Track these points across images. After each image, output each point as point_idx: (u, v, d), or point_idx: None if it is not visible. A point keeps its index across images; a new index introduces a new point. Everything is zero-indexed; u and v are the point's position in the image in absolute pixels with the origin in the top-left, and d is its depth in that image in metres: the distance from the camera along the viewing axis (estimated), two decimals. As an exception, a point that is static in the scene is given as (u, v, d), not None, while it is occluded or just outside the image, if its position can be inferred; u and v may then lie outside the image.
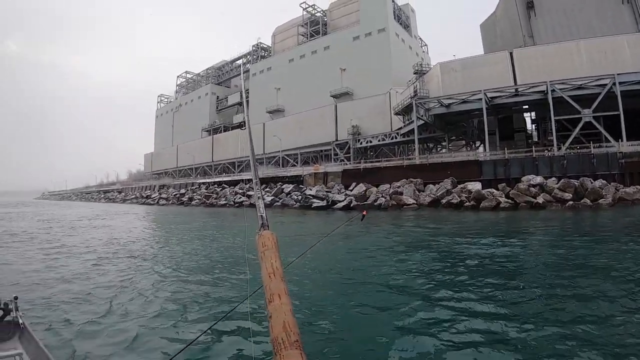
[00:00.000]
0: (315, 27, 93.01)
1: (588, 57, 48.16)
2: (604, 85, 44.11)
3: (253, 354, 5.73)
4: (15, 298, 3.40)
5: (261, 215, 1.95)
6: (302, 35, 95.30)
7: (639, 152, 38.84)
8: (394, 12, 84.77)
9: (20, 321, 3.28)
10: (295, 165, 75.50)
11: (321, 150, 76.09)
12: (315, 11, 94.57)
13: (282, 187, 56.05)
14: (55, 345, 5.83)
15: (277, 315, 1.38)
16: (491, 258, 13.00)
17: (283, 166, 77.92)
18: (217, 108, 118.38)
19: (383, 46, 78.31)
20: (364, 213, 4.29)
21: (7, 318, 3.28)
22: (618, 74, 43.93)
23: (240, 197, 59.71)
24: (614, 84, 43.71)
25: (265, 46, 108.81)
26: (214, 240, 20.48)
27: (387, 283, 9.82)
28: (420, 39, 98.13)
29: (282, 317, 1.36)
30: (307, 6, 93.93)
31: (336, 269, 12.11)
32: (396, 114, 60.39)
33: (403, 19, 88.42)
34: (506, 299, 8.25)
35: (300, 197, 50.32)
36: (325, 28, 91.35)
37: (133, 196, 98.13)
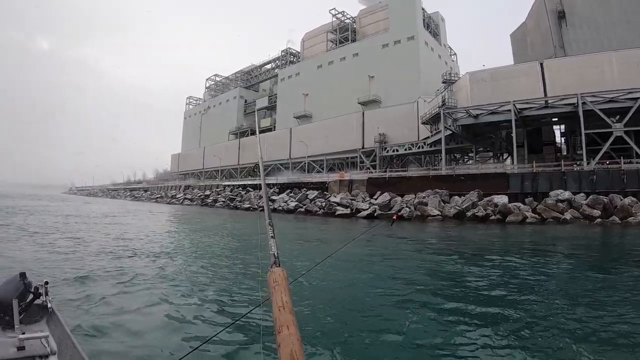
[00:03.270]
0: (344, 33, 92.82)
1: (620, 69, 47.34)
2: (636, 99, 43.05)
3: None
4: (46, 283, 3.56)
5: (273, 254, 2.07)
6: (331, 41, 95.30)
7: None
8: (424, 20, 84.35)
9: (49, 305, 3.45)
10: (320, 172, 75.63)
11: (347, 158, 76.04)
12: (345, 18, 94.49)
13: (307, 193, 56.10)
14: (78, 331, 6.13)
15: (285, 345, 1.50)
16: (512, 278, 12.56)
17: (308, 172, 78.16)
18: (244, 111, 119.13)
19: (412, 54, 77.78)
20: (395, 218, 4.42)
21: (37, 301, 3.45)
22: None
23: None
24: None
25: (294, 52, 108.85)
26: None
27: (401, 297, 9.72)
28: (449, 47, 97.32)
29: (290, 347, 1.49)
30: (336, 12, 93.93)
31: (357, 277, 12.01)
32: (423, 123, 60.08)
33: (432, 27, 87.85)
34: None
35: (324, 203, 50.38)
36: (354, 35, 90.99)
37: (158, 195, 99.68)
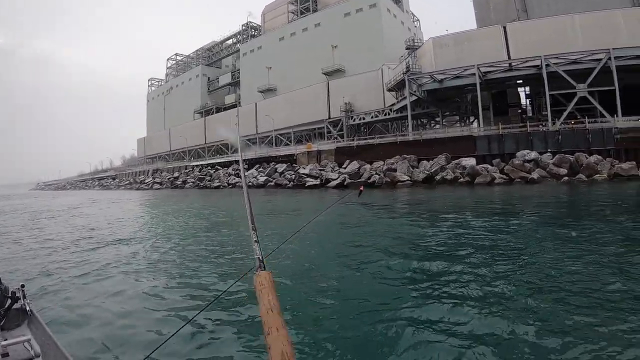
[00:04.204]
0: (305, 4, 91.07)
1: (583, 31, 47.39)
2: (599, 60, 43.70)
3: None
4: (22, 286, 3.43)
5: (258, 258, 2.00)
6: (292, 12, 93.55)
7: (635, 127, 38.54)
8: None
9: (28, 308, 3.32)
10: (288, 145, 74.99)
11: (314, 129, 75.56)
12: None
13: (276, 166, 55.64)
14: (58, 330, 5.62)
15: (275, 346, 1.42)
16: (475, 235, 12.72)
17: (276, 145, 77.37)
18: (208, 89, 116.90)
19: (374, 22, 76.94)
20: (361, 188, 3.97)
21: (16, 306, 3.29)
22: (613, 49, 43.35)
23: (233, 179, 59.26)
24: (610, 58, 43.26)
25: (255, 25, 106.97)
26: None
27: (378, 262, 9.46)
28: (412, 13, 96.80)
29: (281, 347, 1.42)
30: None
31: (331, 247, 11.87)
32: (389, 90, 59.81)
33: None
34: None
35: (293, 176, 50.05)
36: (316, 5, 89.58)
37: (127, 182, 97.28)
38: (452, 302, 6.48)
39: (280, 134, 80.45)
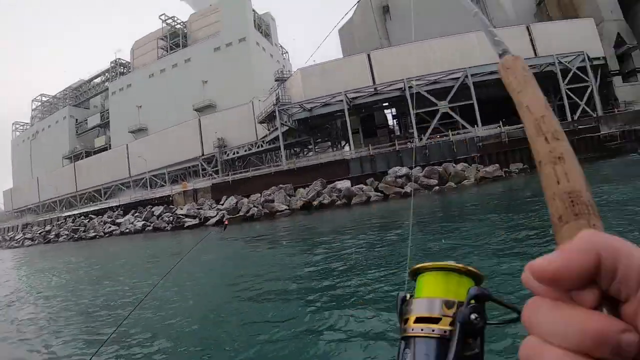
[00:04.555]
0: (175, 39, 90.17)
1: (441, 54, 50.87)
2: (457, 79, 47.35)
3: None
4: None
5: None
6: (162, 48, 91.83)
7: (493, 134, 42.36)
8: (255, 21, 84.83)
9: None
10: (164, 186, 72.15)
11: (189, 167, 73.45)
12: (176, 23, 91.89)
13: (152, 210, 52.93)
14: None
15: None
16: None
17: (152, 187, 74.29)
18: (76, 132, 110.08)
19: (244, 55, 77.60)
20: (226, 223, 3.26)
21: None
22: (469, 68, 47.31)
23: (110, 227, 55.73)
24: (467, 76, 47.13)
25: (124, 62, 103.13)
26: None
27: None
28: (281, 46, 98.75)
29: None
30: (166, 18, 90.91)
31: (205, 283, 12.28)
32: (260, 122, 59.73)
33: (263, 27, 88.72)
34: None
35: (171, 218, 47.89)
36: (186, 40, 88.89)
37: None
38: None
39: (155, 175, 77.41)
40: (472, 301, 0.59)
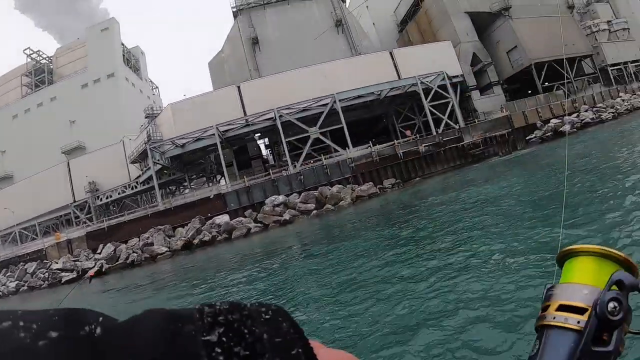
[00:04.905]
0: (40, 75, 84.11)
1: (310, 82, 51.73)
2: (326, 105, 48.54)
3: None
4: None
5: None
6: (27, 86, 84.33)
7: (364, 154, 44.16)
8: (124, 55, 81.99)
9: None
10: (35, 239, 67.01)
11: (61, 216, 68.26)
12: (41, 58, 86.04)
13: (25, 267, 48.53)
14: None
15: None
16: None
17: (22, 242, 68.83)
18: None
19: (113, 92, 74.68)
20: (91, 275, 2.54)
21: None
22: (337, 93, 48.64)
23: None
24: (335, 101, 48.22)
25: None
26: None
27: None
28: (151, 81, 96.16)
29: None
30: (31, 52, 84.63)
31: None
32: (132, 162, 57.23)
33: (133, 62, 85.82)
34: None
35: (47, 274, 44.22)
36: (52, 77, 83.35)
37: None
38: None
39: (25, 228, 71.54)
40: (614, 287, 0.54)
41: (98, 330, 0.35)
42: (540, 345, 0.57)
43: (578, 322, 0.55)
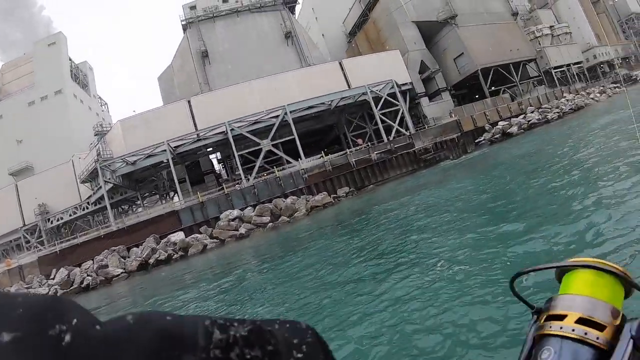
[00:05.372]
0: None
1: (261, 94, 51.78)
2: (277, 116, 48.63)
3: None
4: None
5: None
6: None
7: (317, 165, 44.65)
8: (71, 71, 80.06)
9: None
10: (-16, 266, 64.66)
11: (11, 241, 65.93)
12: None
13: (-28, 301, 46.92)
14: None
15: None
16: None
17: (-29, 270, 66.40)
18: None
19: (61, 109, 72.80)
20: None
21: None
22: (288, 104, 48.84)
23: None
24: (286, 113, 48.46)
25: None
26: None
27: None
28: (100, 97, 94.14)
29: None
30: None
31: None
32: (83, 182, 55.90)
33: (81, 77, 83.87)
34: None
35: (-2, 303, 42.71)
36: None
37: None
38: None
39: (-28, 255, 69.32)
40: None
41: (67, 337, 0.30)
42: (553, 355, 0.56)
43: (597, 338, 0.55)
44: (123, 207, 62.02)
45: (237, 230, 37.30)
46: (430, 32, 67.65)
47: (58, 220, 60.52)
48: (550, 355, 0.56)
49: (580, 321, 0.56)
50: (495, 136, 50.00)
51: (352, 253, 13.73)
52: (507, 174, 20.00)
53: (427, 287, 7.71)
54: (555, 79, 73.24)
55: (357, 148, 49.07)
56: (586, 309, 0.57)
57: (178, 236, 39.19)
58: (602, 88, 71.17)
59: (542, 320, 0.60)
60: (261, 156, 46.99)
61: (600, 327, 0.55)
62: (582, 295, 0.59)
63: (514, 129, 49.90)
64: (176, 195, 52.81)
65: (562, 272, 0.67)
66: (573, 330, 0.55)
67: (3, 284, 45.95)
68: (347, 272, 11.06)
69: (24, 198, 63.62)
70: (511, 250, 8.23)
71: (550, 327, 0.58)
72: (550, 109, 55.74)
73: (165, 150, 47.00)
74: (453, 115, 55.49)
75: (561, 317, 0.58)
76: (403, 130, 52.12)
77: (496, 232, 9.87)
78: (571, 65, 78.44)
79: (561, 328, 0.56)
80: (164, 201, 59.06)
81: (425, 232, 12.94)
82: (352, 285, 9.56)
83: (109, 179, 48.85)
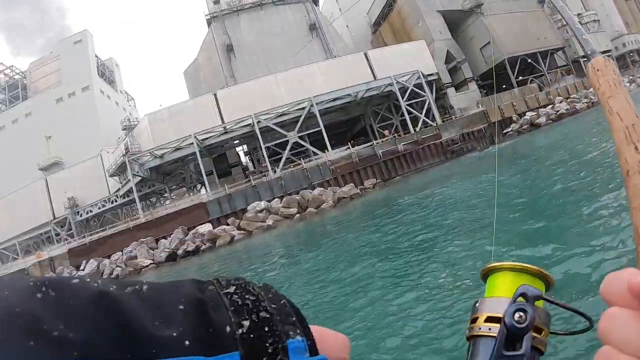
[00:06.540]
0: (14, 91, 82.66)
1: (286, 86, 51.66)
2: (303, 108, 48.74)
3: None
4: None
5: None
6: (0, 102, 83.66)
7: (343, 156, 44.63)
8: (98, 67, 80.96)
9: None
10: (16, 259, 65.79)
11: (41, 234, 67.05)
12: (14, 73, 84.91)
13: (7, 291, 47.90)
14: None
15: None
16: None
17: (3, 263, 67.66)
18: None
19: (89, 105, 73.82)
20: None
21: None
22: (314, 97, 48.72)
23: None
24: (312, 105, 48.30)
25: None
26: None
27: None
28: (126, 93, 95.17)
29: None
30: (4, 67, 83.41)
31: None
32: (111, 175, 56.63)
33: (107, 74, 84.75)
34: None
35: (30, 294, 43.52)
36: (26, 92, 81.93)
37: None
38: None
39: (5, 249, 70.23)
40: (521, 299, 0.58)
41: (145, 287, 0.39)
42: (469, 354, 0.62)
43: (489, 329, 0.61)
44: (151, 199, 62.65)
45: (265, 221, 37.33)
46: (455, 21, 66.76)
47: (87, 213, 61.44)
48: (475, 351, 0.61)
49: (488, 319, 0.61)
50: (523, 127, 49.23)
51: (383, 244, 13.38)
52: (537, 165, 19.06)
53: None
54: (584, 68, 71.68)
55: (384, 139, 48.80)
56: (490, 308, 0.63)
57: (206, 227, 39.44)
58: (631, 77, 69.75)
59: (469, 324, 0.65)
60: (288, 148, 47.28)
61: (500, 320, 0.60)
62: (490, 297, 0.65)
63: (542, 120, 49.10)
64: (203, 187, 53.15)
65: (485, 276, 0.71)
66: (480, 328, 0.61)
67: (35, 275, 46.62)
68: (382, 265, 10.59)
69: (54, 192, 64.70)
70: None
71: (469, 330, 0.64)
72: (579, 99, 54.66)
73: (192, 143, 47.46)
74: (480, 105, 54.77)
75: (475, 320, 0.63)
76: (429, 121, 51.76)
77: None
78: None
79: (473, 329, 0.62)
80: (191, 193, 59.51)
81: (458, 227, 12.15)
82: (391, 280, 9.06)
83: (137, 172, 49.41)
